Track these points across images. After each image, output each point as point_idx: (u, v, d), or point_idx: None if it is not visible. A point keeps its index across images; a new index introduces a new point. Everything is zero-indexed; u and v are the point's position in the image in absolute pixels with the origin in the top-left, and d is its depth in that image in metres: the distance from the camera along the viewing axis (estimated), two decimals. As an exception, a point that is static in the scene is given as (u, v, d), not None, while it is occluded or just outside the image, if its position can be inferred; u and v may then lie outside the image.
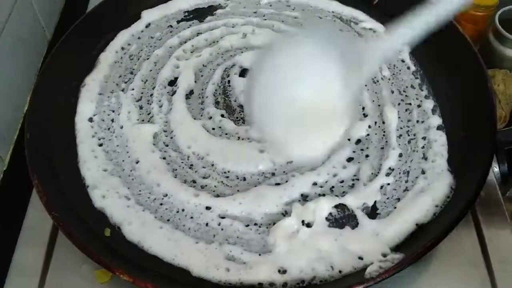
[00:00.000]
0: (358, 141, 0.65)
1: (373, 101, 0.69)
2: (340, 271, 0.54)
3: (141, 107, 0.70)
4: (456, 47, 0.69)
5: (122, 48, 0.77)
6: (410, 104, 0.68)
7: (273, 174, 0.62)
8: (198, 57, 0.74)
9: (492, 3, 1.07)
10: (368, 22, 0.78)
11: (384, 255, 0.54)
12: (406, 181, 0.61)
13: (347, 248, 0.55)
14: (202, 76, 0.73)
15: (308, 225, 0.57)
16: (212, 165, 0.63)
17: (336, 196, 0.59)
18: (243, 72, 0.73)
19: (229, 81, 0.72)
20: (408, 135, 0.65)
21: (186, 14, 0.81)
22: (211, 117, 0.68)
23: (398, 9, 0.77)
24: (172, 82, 0.72)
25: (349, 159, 0.63)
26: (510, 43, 1.03)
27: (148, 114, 0.69)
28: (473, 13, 1.09)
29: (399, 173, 0.62)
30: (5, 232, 0.64)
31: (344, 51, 0.50)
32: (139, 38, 0.78)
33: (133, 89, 0.71)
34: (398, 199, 0.59)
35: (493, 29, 1.06)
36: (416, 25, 0.50)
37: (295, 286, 0.53)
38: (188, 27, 0.79)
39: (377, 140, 0.65)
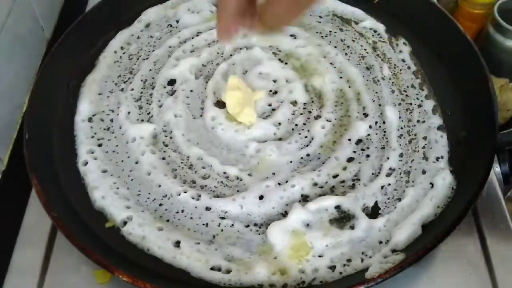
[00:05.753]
0: (359, 141, 0.64)
1: (374, 101, 0.69)
2: (340, 272, 0.53)
3: (140, 107, 0.70)
4: (457, 46, 0.69)
5: (122, 48, 0.76)
6: (411, 104, 0.68)
7: (274, 173, 0.62)
8: (198, 57, 0.74)
9: (490, 1, 1.07)
10: (368, 21, 0.78)
11: (385, 256, 0.54)
12: (407, 181, 0.61)
13: (347, 248, 0.55)
14: (201, 75, 0.73)
15: (308, 226, 0.57)
16: (212, 165, 0.63)
17: (336, 196, 0.59)
18: (243, 72, 0.73)
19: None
20: (409, 135, 0.65)
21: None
22: (211, 117, 0.67)
23: (399, 9, 0.78)
24: (172, 82, 0.72)
25: (350, 159, 0.63)
26: (511, 34, 1.02)
27: (148, 114, 0.69)
28: (471, 11, 1.09)
29: (400, 173, 0.61)
30: (4, 232, 0.63)
31: None
32: (138, 38, 0.78)
33: (132, 89, 0.71)
34: (399, 200, 0.59)
35: (492, 21, 1.05)
36: None
37: (295, 287, 0.53)
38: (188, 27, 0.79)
39: (378, 140, 0.65)
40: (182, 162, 0.64)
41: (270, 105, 0.69)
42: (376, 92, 0.70)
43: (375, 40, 0.76)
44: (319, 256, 0.54)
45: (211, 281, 0.54)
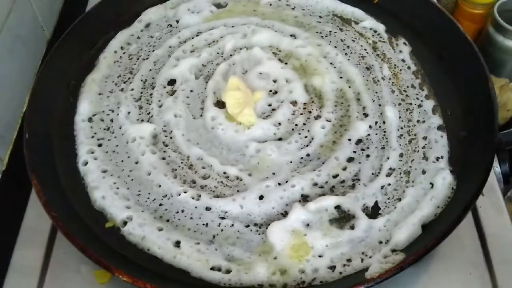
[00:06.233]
0: (359, 141, 0.64)
1: (374, 101, 0.68)
2: (340, 272, 0.53)
3: (140, 107, 0.70)
4: (457, 46, 0.69)
5: (122, 48, 0.77)
6: (411, 104, 0.68)
7: (274, 173, 0.62)
8: (198, 57, 0.74)
9: (490, 1, 1.07)
10: (368, 21, 0.78)
11: (385, 256, 0.54)
12: (407, 181, 0.61)
13: (347, 248, 0.55)
14: (202, 75, 0.73)
15: (308, 226, 0.57)
16: (212, 165, 0.63)
17: (336, 196, 0.59)
18: (243, 72, 0.73)
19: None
20: (409, 135, 0.65)
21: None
22: (211, 117, 0.67)
23: (399, 9, 0.78)
24: (172, 82, 0.72)
25: (350, 159, 0.63)
26: (511, 34, 1.02)
27: (148, 114, 0.69)
28: (471, 11, 1.09)
29: (400, 173, 0.61)
30: (4, 232, 0.63)
31: None
32: (138, 38, 0.78)
33: (132, 89, 0.71)
34: (399, 200, 0.59)
35: (492, 21, 1.05)
36: None
37: (295, 287, 0.53)
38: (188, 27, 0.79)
39: (378, 140, 0.65)
40: (182, 162, 0.64)
41: (270, 105, 0.69)
42: (376, 92, 0.70)
43: (375, 40, 0.76)
44: (319, 256, 0.54)
45: (211, 281, 0.54)
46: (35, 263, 0.60)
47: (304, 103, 0.69)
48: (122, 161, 0.64)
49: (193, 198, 0.59)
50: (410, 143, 0.64)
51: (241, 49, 0.75)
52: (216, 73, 0.72)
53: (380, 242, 0.55)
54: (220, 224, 0.58)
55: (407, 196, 0.59)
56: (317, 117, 0.67)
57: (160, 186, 0.61)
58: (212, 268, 0.54)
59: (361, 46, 0.75)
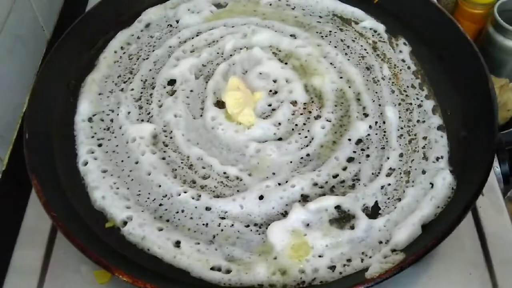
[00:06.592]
0: (359, 141, 0.64)
1: (374, 101, 0.68)
2: (340, 272, 0.53)
3: (140, 107, 0.70)
4: (457, 46, 0.69)
5: (122, 48, 0.77)
6: (411, 104, 0.68)
7: (274, 173, 0.62)
8: (198, 57, 0.74)
9: (490, 1, 1.07)
10: (368, 21, 0.78)
11: (385, 256, 0.54)
12: (407, 181, 0.61)
13: (347, 248, 0.55)
14: (202, 75, 0.73)
15: (308, 226, 0.57)
16: (212, 165, 0.63)
17: (336, 196, 0.59)
18: (243, 72, 0.73)
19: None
20: (409, 135, 0.65)
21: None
22: (211, 117, 0.67)
23: (399, 9, 0.78)
24: (172, 82, 0.72)
25: (350, 159, 0.63)
26: (511, 34, 1.03)
27: (148, 114, 0.69)
28: (471, 11, 1.09)
29: (400, 173, 0.61)
30: (4, 232, 0.63)
31: None
32: (138, 38, 0.78)
33: (132, 89, 0.71)
34: (399, 200, 0.59)
35: (492, 21, 1.05)
36: None
37: (295, 287, 0.53)
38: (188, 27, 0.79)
39: (378, 140, 0.65)
40: (182, 162, 0.64)
41: (270, 105, 0.69)
42: (376, 92, 0.70)
43: (375, 40, 0.76)
44: (319, 256, 0.54)
45: (211, 281, 0.54)
46: (35, 263, 0.60)
47: (304, 103, 0.69)
48: (122, 161, 0.64)
49: (193, 198, 0.59)
50: (410, 143, 0.64)
51: (241, 49, 0.75)
52: (216, 73, 0.72)
53: (380, 242, 0.55)
54: (220, 224, 0.58)
55: (407, 196, 0.59)
56: (317, 117, 0.67)
57: (160, 186, 0.61)
58: (212, 268, 0.54)
59: (361, 46, 0.75)
